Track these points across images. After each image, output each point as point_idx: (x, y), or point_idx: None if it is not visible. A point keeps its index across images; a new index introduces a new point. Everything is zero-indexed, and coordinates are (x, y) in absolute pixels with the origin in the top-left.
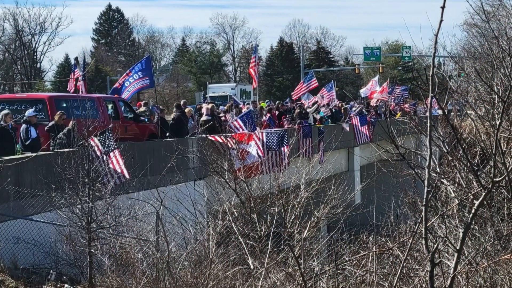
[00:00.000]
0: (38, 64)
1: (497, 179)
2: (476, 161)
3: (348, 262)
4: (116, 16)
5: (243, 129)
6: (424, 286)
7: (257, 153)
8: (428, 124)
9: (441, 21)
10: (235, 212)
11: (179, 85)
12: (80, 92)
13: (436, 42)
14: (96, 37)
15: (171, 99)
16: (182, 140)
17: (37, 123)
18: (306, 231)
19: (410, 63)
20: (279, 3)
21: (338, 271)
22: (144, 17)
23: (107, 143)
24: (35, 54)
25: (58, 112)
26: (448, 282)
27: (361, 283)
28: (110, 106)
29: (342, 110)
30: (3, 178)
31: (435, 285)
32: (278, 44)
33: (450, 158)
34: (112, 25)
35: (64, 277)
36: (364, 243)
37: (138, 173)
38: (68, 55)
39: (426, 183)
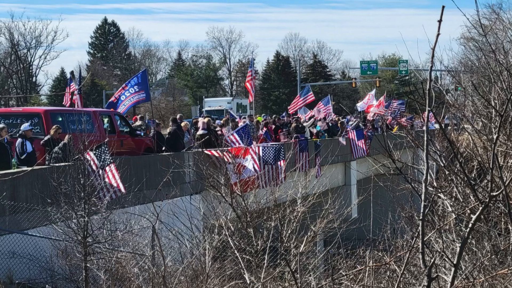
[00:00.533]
0: (34, 78)
1: (494, 194)
2: (473, 175)
3: (345, 277)
4: (112, 30)
5: (239, 143)
6: None
7: (254, 167)
8: (425, 138)
9: (438, 34)
10: (231, 227)
11: (175, 99)
12: (76, 106)
13: (433, 56)
14: (92, 51)
15: (167, 113)
16: (178, 154)
17: (32, 137)
18: (302, 246)
19: (407, 77)
20: (275, 17)
21: (335, 286)
22: (140, 31)
23: (103, 157)
24: (30, 68)
25: (54, 126)
26: None
27: None
28: (106, 120)
29: (338, 124)
30: None
31: None
32: (275, 58)
33: (447, 172)
34: (108, 39)
35: None
36: (361, 258)
37: (134, 187)
38: (63, 69)
39: (423, 197)
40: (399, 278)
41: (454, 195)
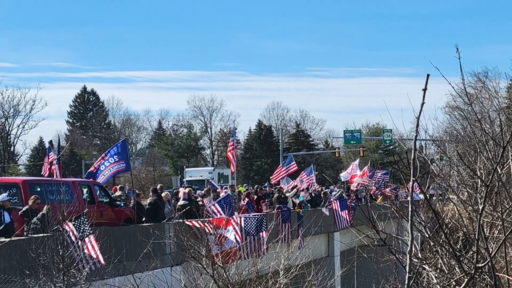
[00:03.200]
0: (12, 148)
1: (480, 265)
2: (458, 246)
3: None
4: (91, 99)
5: (220, 214)
6: None
7: (235, 238)
8: (410, 209)
9: (423, 103)
10: None
11: (155, 169)
12: (55, 176)
13: (417, 125)
14: (71, 120)
15: (148, 183)
16: (158, 225)
17: (10, 208)
18: None
19: (391, 147)
20: (257, 85)
21: None
22: (120, 100)
23: (82, 228)
24: (8, 137)
25: (32, 197)
26: None
27: None
28: (85, 190)
29: (321, 195)
30: None
31: None
32: (257, 127)
33: (432, 244)
34: (87, 108)
35: None
36: None
37: (113, 258)
38: (42, 138)
39: (407, 269)
40: None
41: (439, 266)
